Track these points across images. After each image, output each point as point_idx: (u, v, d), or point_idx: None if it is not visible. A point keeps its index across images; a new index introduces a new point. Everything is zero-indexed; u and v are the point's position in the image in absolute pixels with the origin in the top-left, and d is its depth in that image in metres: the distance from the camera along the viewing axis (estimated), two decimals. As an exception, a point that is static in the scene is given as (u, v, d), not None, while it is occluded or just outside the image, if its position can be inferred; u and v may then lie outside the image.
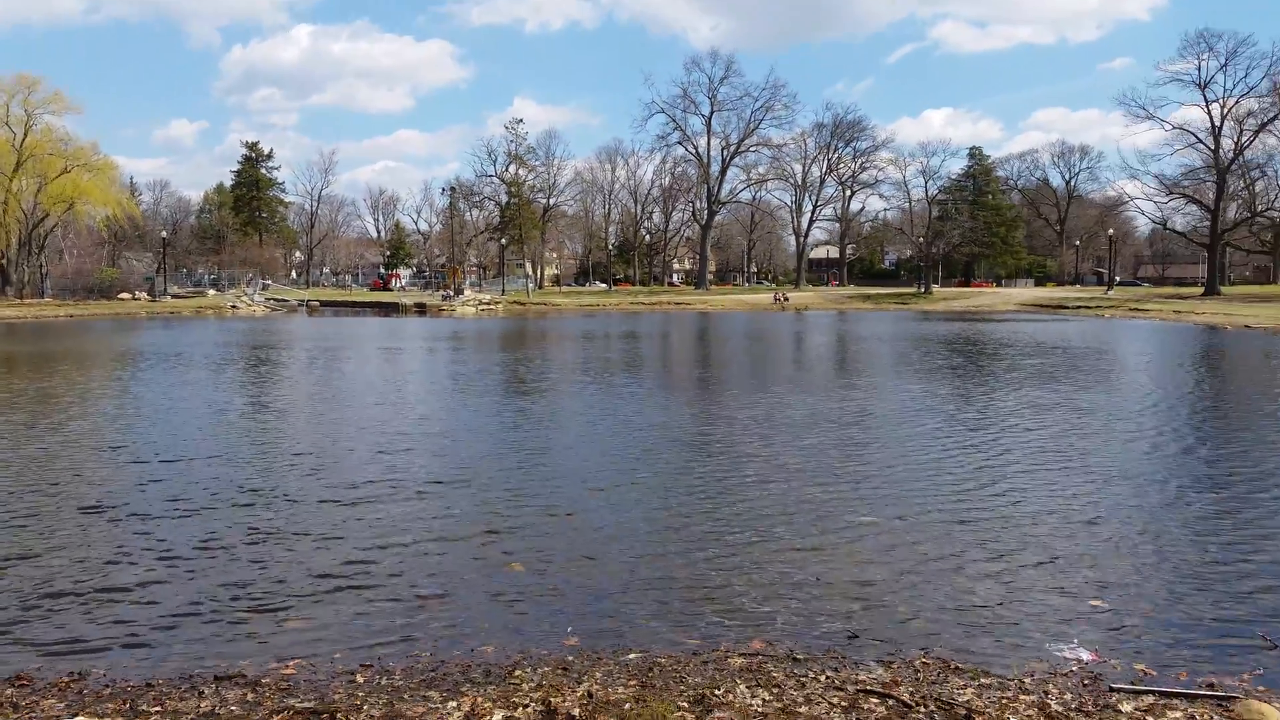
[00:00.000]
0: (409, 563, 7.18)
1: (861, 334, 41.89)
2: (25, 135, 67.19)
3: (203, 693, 4.90)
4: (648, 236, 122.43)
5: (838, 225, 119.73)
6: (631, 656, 5.41)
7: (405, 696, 4.82)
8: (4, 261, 67.49)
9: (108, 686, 5.04)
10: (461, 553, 7.47)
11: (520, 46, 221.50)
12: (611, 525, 8.31)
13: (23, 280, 68.34)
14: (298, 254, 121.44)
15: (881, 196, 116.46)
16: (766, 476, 10.33)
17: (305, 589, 6.60)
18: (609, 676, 5.06)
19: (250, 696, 4.84)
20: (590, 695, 4.72)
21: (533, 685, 4.94)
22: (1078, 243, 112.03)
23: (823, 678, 5.05)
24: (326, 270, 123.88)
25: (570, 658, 5.42)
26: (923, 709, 4.61)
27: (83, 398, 17.87)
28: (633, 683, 4.96)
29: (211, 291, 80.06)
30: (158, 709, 4.69)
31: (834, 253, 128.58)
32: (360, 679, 5.10)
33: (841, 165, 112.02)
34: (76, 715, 4.62)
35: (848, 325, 50.55)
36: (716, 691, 4.80)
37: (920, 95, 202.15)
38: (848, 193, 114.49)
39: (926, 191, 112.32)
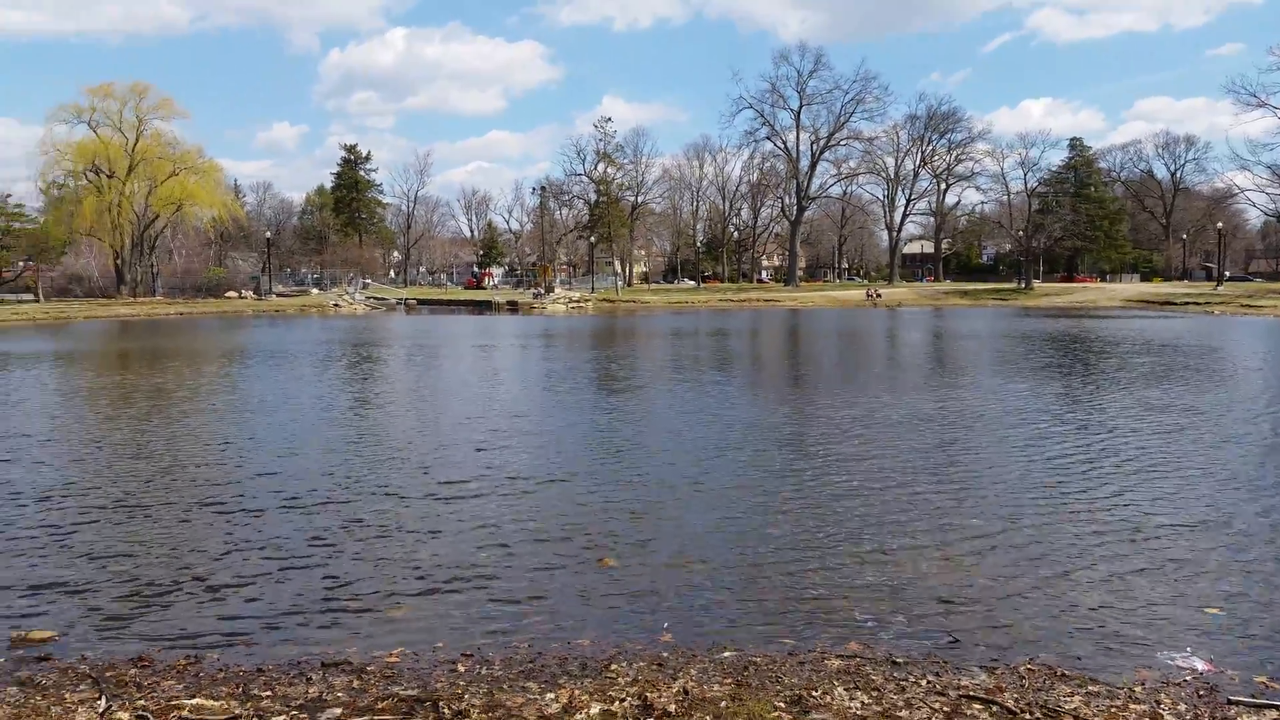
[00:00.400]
0: (505, 558, 7.31)
1: (960, 331, 40.90)
2: (137, 140, 70.44)
3: (310, 678, 5.07)
4: (736, 233, 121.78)
5: (932, 219, 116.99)
6: (726, 654, 5.40)
7: (505, 686, 4.90)
8: (119, 262, 70.89)
9: (221, 670, 5.26)
10: (556, 548, 7.56)
11: (609, 45, 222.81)
12: (705, 524, 8.31)
13: (136, 279, 71.68)
14: (395, 253, 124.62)
15: (978, 189, 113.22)
16: (864, 477, 10.18)
17: (406, 582, 6.78)
18: (704, 674, 5.06)
19: (356, 683, 4.99)
20: (686, 692, 4.73)
21: (629, 680, 4.97)
22: (1185, 236, 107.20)
23: (923, 682, 4.96)
24: (423, 269, 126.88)
25: (665, 654, 5.43)
26: (1028, 716, 4.48)
27: (194, 393, 18.68)
28: (728, 681, 4.94)
29: (314, 290, 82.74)
30: (268, 693, 4.87)
31: (929, 248, 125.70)
32: (461, 668, 5.21)
33: (936, 158, 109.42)
34: (194, 696, 4.83)
35: (945, 322, 49.41)
36: (814, 693, 4.75)
37: (1018, 85, 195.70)
38: (943, 186, 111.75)
39: (1026, 184, 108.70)
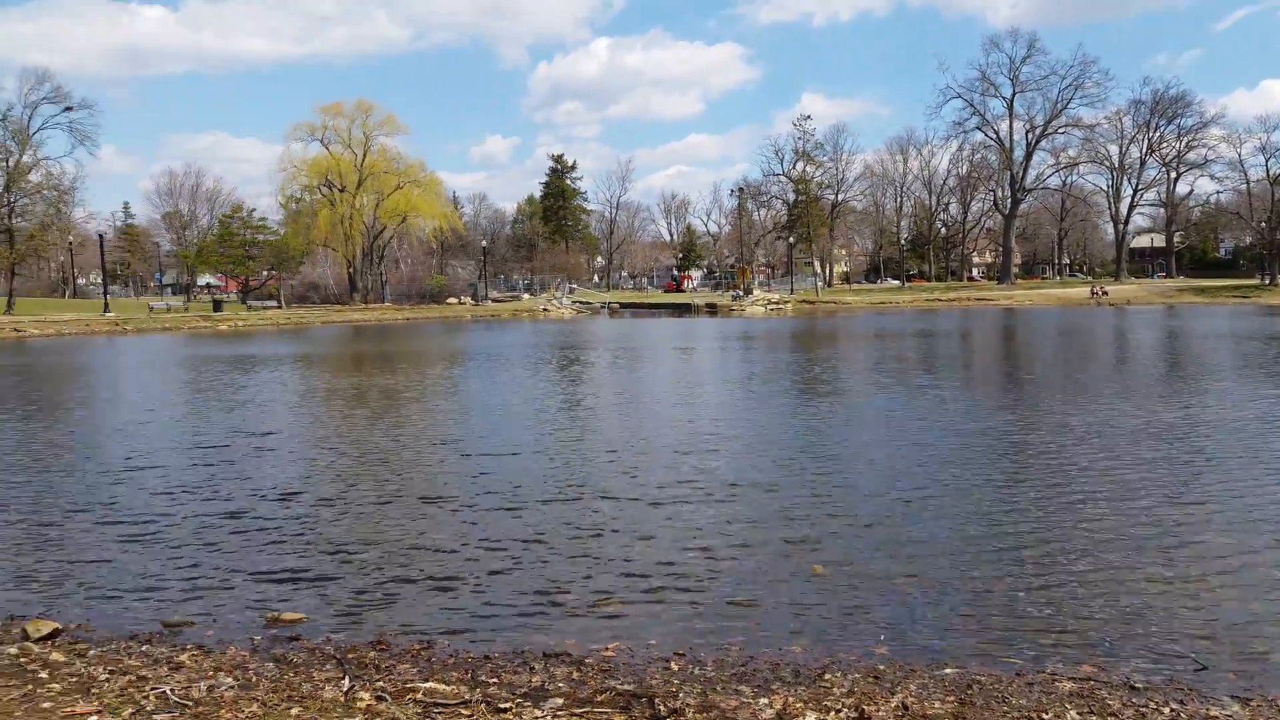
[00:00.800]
0: (714, 561, 7.34)
1: (1198, 331, 37.53)
2: (365, 156, 76.02)
3: (533, 668, 5.29)
4: (943, 229, 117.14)
5: (1163, 211, 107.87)
6: (948, 671, 5.19)
7: (718, 688, 4.93)
8: (351, 270, 76.79)
9: (451, 656, 5.57)
10: (765, 554, 7.52)
11: (808, 42, 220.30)
12: (922, 534, 8.03)
13: (366, 287, 77.37)
14: (599, 258, 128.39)
15: (1213, 178, 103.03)
16: (1098, 489, 9.52)
17: (618, 581, 6.95)
18: (924, 690, 4.89)
19: (575, 675, 5.16)
20: (905, 707, 4.58)
21: (844, 690, 4.87)
22: None
23: (1166, 709, 4.58)
24: (624, 273, 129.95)
25: (881, 666, 5.29)
26: (1298, 760, 4.04)
27: (420, 394, 19.93)
28: (950, 699, 4.75)
29: (525, 295, 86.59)
30: (495, 680, 5.12)
31: (1159, 241, 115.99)
32: (675, 666, 5.28)
33: (1164, 145, 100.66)
34: (427, 680, 5.14)
35: (1180, 322, 45.50)
36: (1045, 715, 4.49)
37: (1257, 64, 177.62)
38: (1173, 175, 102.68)
39: (1268, 170, 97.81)
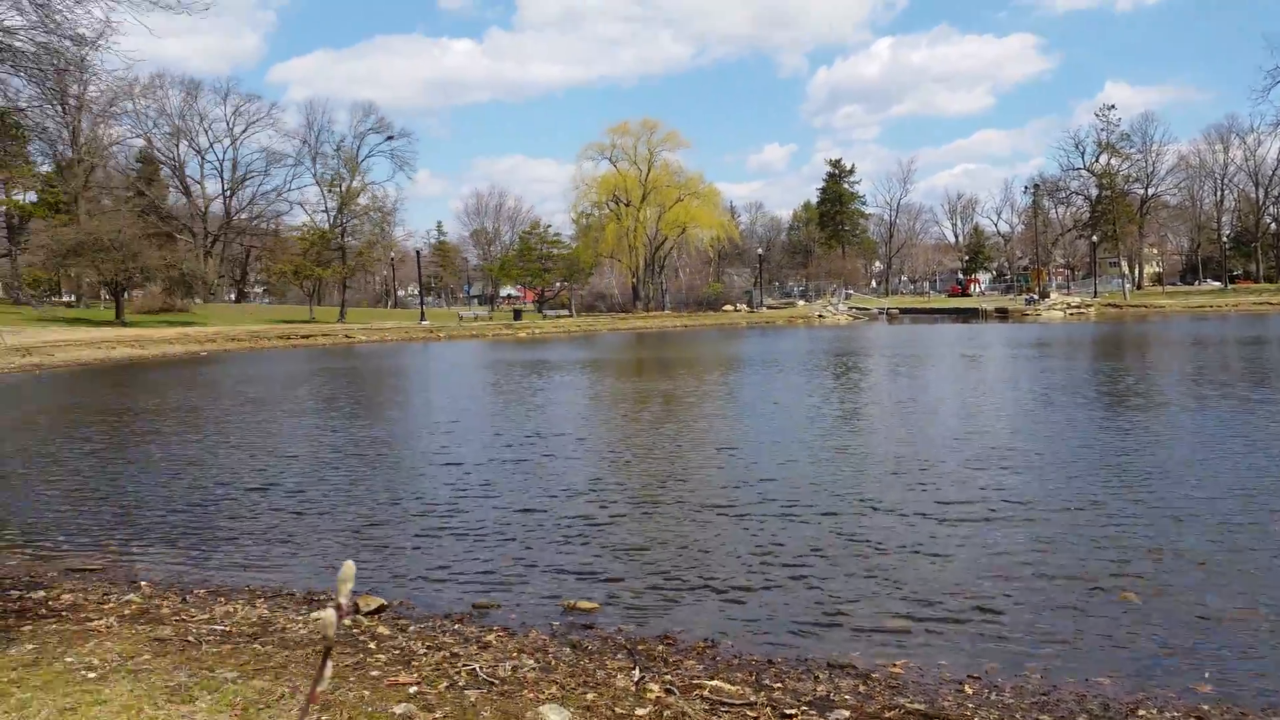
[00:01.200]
0: (1011, 584, 6.91)
1: None
2: (648, 171, 79.44)
3: (818, 677, 5.25)
4: (1274, 225, 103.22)
5: None
6: (1292, 722, 4.58)
7: (1017, 716, 4.65)
8: (634, 280, 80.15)
9: (735, 657, 5.65)
10: (1067, 578, 6.99)
11: (1110, 27, 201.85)
12: (1251, 565, 7.14)
13: (648, 295, 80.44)
14: (877, 263, 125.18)
15: None
16: None
17: (905, 598, 6.73)
18: (1263, 740, 4.34)
19: (862, 688, 5.07)
20: (1240, 758, 4.09)
21: (1164, 733, 4.43)
22: None
23: None
24: (904, 278, 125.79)
25: (1205, 706, 4.76)
26: None
27: (700, 399, 20.37)
28: (1296, 753, 4.19)
29: (800, 302, 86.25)
30: (779, 685, 5.13)
31: None
32: (968, 690, 5.04)
33: None
34: (713, 678, 5.24)
35: None
36: None
37: None
38: None
39: None
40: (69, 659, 5.44)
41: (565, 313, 76.48)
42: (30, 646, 5.67)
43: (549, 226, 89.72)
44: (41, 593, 6.99)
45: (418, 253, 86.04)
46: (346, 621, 6.45)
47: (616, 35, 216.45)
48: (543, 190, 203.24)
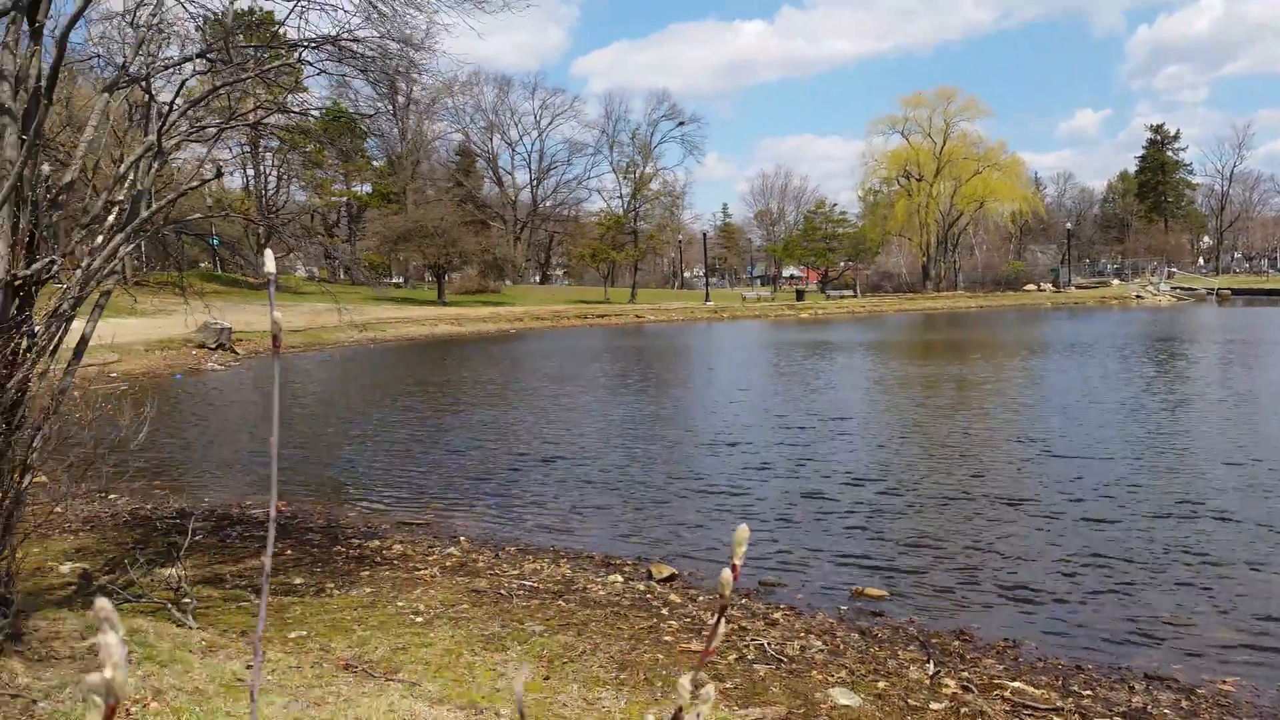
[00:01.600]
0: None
1: None
2: (944, 143, 75.57)
3: (1133, 688, 4.86)
4: None
5: None
6: None
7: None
8: (924, 258, 76.88)
9: (1040, 660, 5.34)
10: None
11: None
12: None
13: (939, 274, 76.86)
14: (1205, 239, 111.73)
15: None
16: None
17: (1240, 614, 6.05)
18: None
19: (1184, 704, 4.63)
20: None
21: None
22: None
23: None
24: (1237, 254, 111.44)
25: None
26: None
27: (996, 386, 19.25)
28: None
29: (1114, 281, 79.05)
30: (1089, 693, 4.80)
31: None
32: (1318, 722, 4.46)
33: None
34: (1015, 680, 5.00)
35: None
36: None
37: None
38: None
39: None
40: (400, 603, 6.15)
41: (849, 293, 74.96)
42: (368, 590, 6.47)
43: (834, 205, 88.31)
44: (376, 542, 7.93)
45: (704, 235, 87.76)
46: (640, 586, 6.78)
47: (911, 6, 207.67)
48: (829, 168, 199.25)
